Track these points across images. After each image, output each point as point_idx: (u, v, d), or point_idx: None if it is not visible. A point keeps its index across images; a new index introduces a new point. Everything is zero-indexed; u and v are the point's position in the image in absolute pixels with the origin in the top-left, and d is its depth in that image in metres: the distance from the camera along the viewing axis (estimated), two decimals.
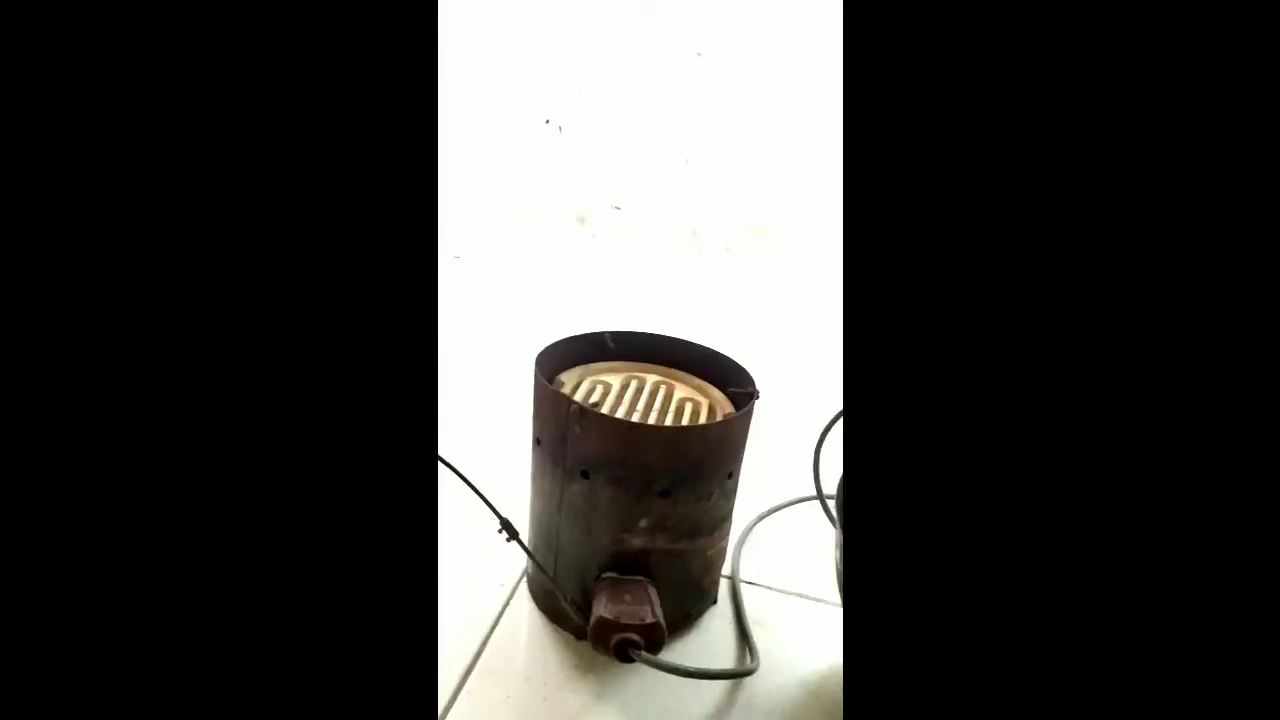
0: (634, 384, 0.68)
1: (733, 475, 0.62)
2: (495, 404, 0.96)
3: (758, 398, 0.63)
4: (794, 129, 2.09)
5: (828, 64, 2.03)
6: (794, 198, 2.24)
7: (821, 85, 2.03)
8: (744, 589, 0.70)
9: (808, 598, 0.70)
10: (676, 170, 2.24)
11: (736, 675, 0.61)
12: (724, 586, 0.71)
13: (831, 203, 2.16)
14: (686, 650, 0.64)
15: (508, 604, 0.67)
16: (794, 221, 2.20)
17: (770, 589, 0.71)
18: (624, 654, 0.54)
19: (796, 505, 0.83)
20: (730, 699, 0.59)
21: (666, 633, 0.55)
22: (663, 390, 0.67)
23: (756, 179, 2.26)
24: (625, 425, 0.58)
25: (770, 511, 0.81)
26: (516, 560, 0.70)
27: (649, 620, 0.55)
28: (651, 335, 0.71)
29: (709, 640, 0.65)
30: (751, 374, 0.65)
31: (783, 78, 2.22)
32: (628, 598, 0.57)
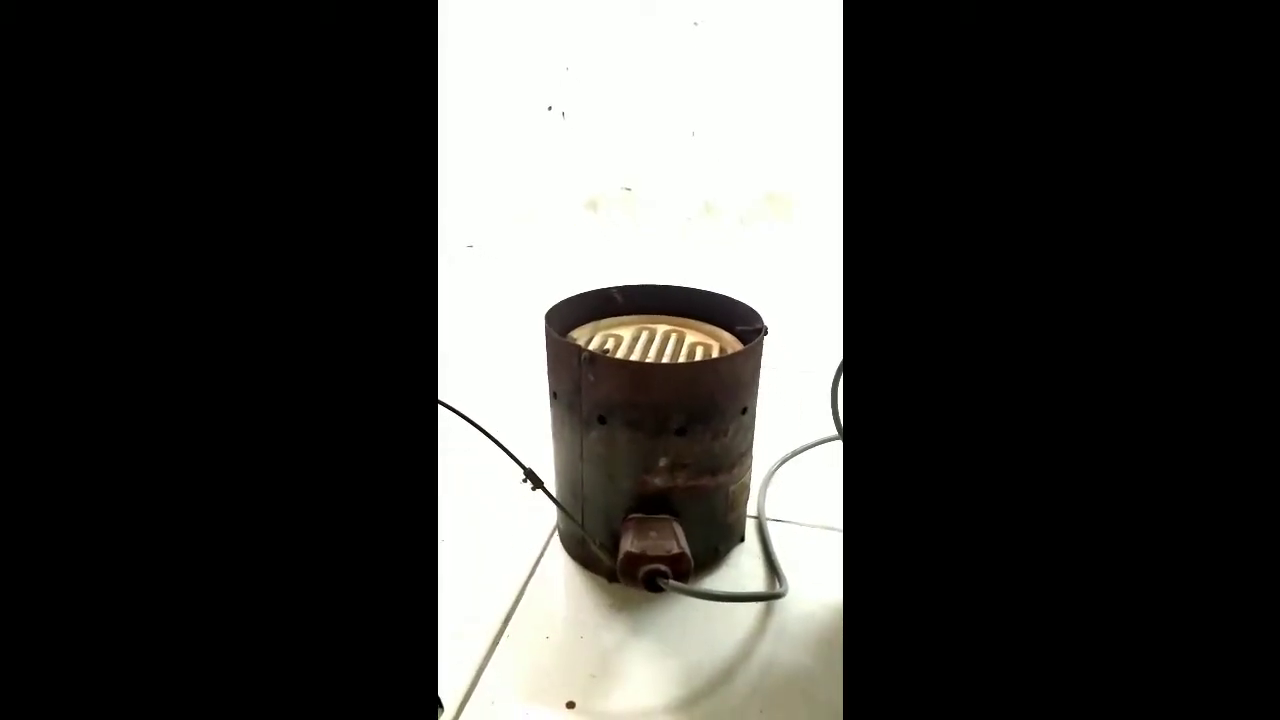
0: (645, 334, 0.69)
1: (747, 410, 0.63)
2: (516, 373, 0.99)
3: (766, 333, 0.64)
4: (799, 93, 2.08)
5: (830, 25, 2.01)
6: (808, 164, 2.22)
7: (826, 45, 2.02)
8: (771, 526, 0.72)
9: (833, 529, 0.72)
10: (684, 144, 2.24)
11: (766, 598, 0.62)
12: (751, 526, 0.72)
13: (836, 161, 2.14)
14: (717, 583, 0.66)
15: (542, 555, 0.69)
16: (810, 188, 2.19)
17: (796, 524, 0.73)
18: (653, 584, 0.56)
19: (819, 446, 0.84)
20: (763, 624, 0.61)
21: (692, 563, 0.57)
22: (674, 337, 0.69)
23: (768, 147, 2.25)
24: (634, 366, 0.59)
25: (794, 453, 0.83)
26: (548, 514, 0.73)
27: (675, 551, 0.57)
28: (660, 287, 0.73)
29: (738, 574, 0.67)
30: (759, 312, 0.66)
31: (785, 42, 2.21)
32: (653, 534, 0.59)
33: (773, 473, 0.80)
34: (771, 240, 1.90)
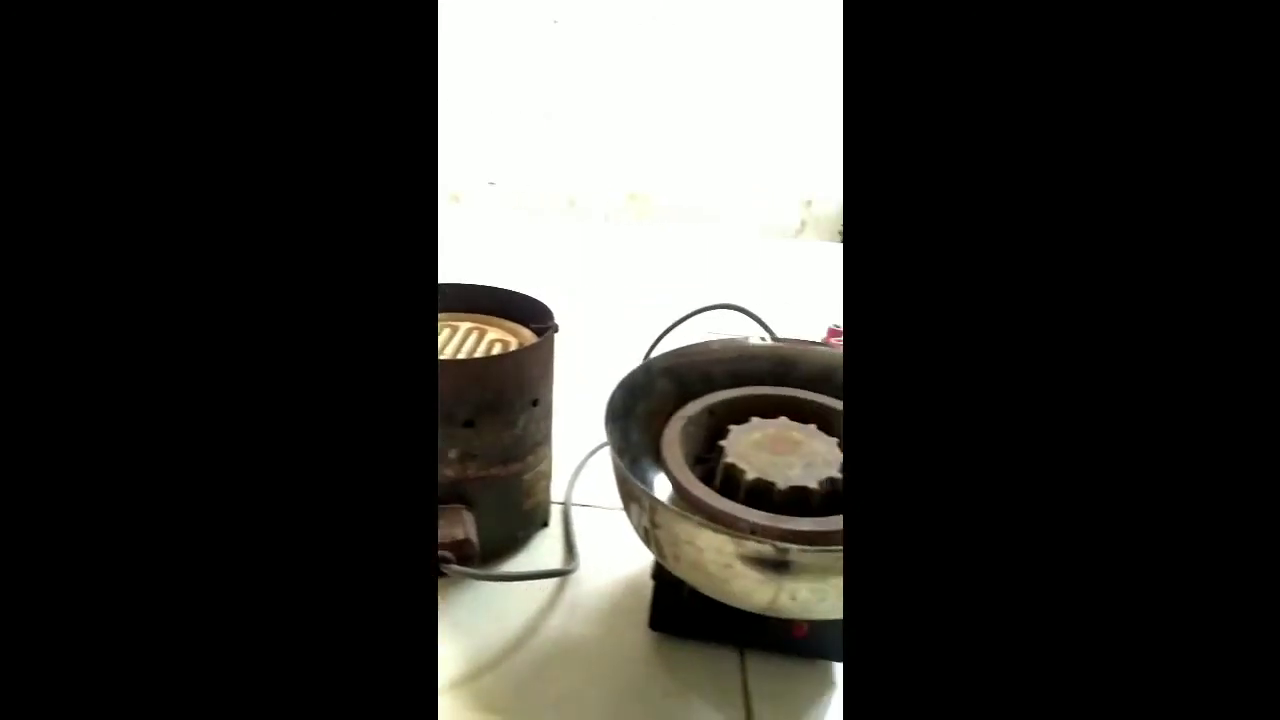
0: (446, 331, 0.72)
1: (539, 403, 0.67)
2: None
3: (556, 330, 0.69)
4: (660, 94, 2.14)
5: (694, 25, 2.07)
6: (669, 164, 2.28)
7: (686, 46, 2.08)
8: (576, 510, 0.77)
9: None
10: (549, 141, 2.26)
11: (550, 575, 0.67)
12: (556, 511, 0.77)
13: (703, 168, 2.21)
14: (515, 566, 0.70)
15: None
16: (671, 188, 2.25)
17: (602, 508, 0.78)
18: (435, 569, 0.59)
19: None
20: (554, 601, 0.66)
21: (477, 548, 0.61)
22: (475, 334, 0.72)
23: (632, 147, 2.29)
24: None
25: (602, 445, 0.87)
26: None
27: (460, 537, 0.60)
28: (463, 285, 0.75)
29: (536, 557, 0.71)
30: (552, 310, 0.71)
31: (643, 41, 2.26)
32: (440, 522, 0.62)
33: (585, 461, 0.84)
34: (632, 238, 1.95)
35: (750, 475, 0.54)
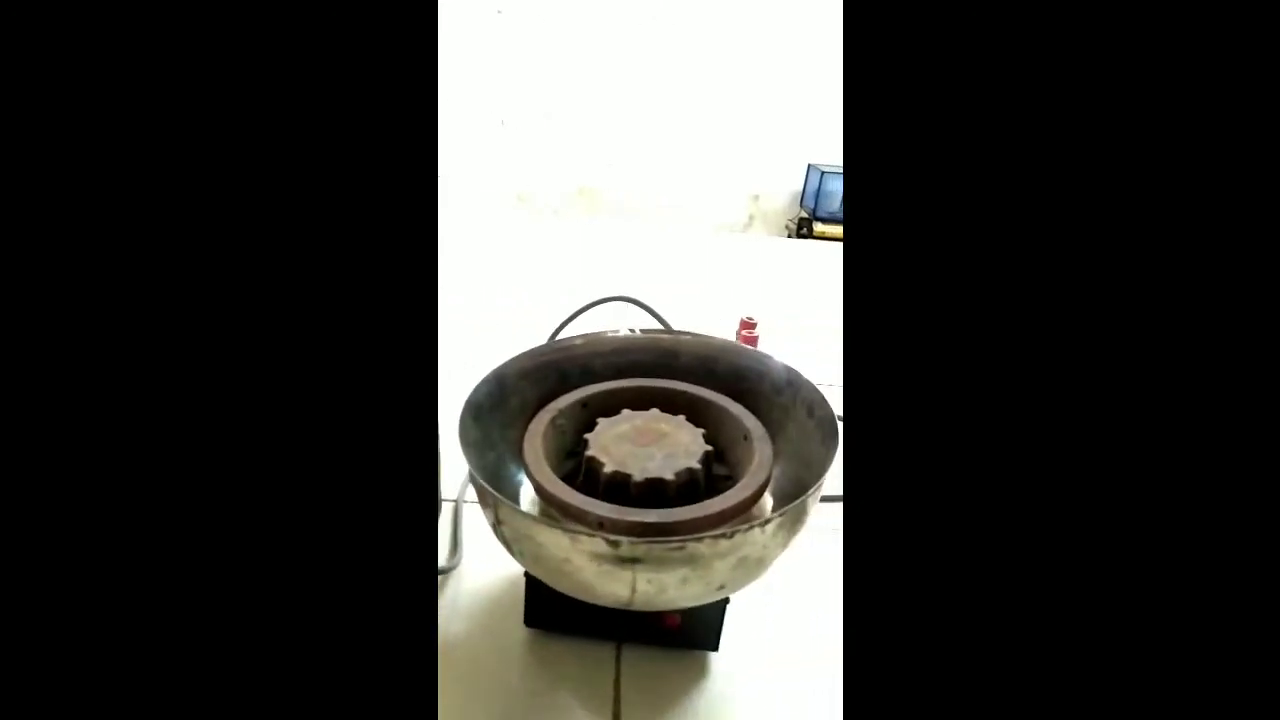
0: None
1: None
2: None
3: None
4: (613, 88, 2.12)
5: (642, 18, 2.05)
6: (620, 159, 2.26)
7: (635, 39, 2.06)
8: (467, 508, 0.76)
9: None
10: (494, 133, 2.23)
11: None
12: (448, 509, 0.76)
13: (653, 163, 2.20)
14: None
15: None
16: (617, 182, 2.23)
17: None
18: None
19: None
20: (440, 593, 0.65)
21: None
22: None
23: (583, 142, 2.28)
24: None
25: None
26: None
27: None
28: None
29: None
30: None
31: (587, 32, 2.23)
32: None
33: None
34: (583, 232, 1.94)
35: (608, 468, 0.53)
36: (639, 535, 0.49)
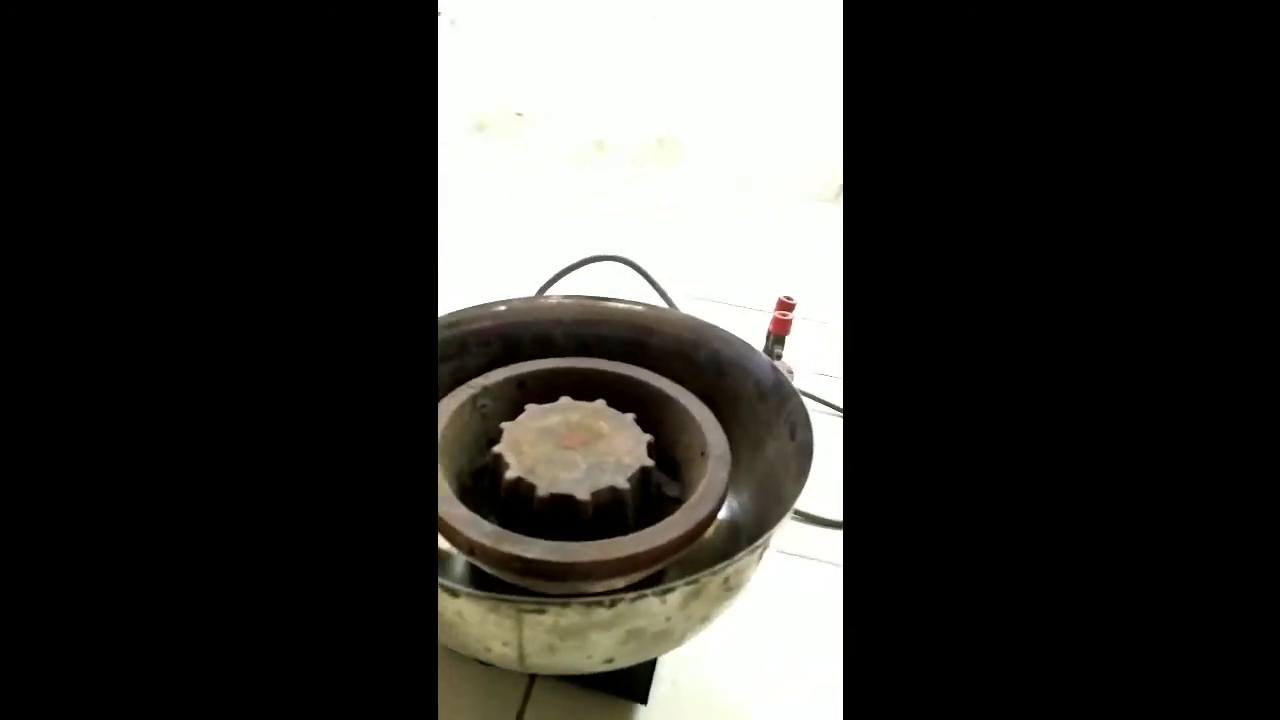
0: None
1: None
2: None
3: None
4: (699, 36, 1.97)
5: None
6: (699, 111, 2.12)
7: None
8: None
9: None
10: (582, 77, 2.12)
11: None
12: None
13: (735, 115, 2.04)
14: None
15: None
16: (700, 135, 2.09)
17: None
18: None
19: None
20: None
21: None
22: None
23: (664, 91, 2.13)
24: None
25: None
26: None
27: None
28: None
29: None
30: None
31: None
32: None
33: None
34: (660, 185, 1.81)
35: (511, 473, 0.42)
36: (516, 572, 0.37)
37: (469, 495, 0.45)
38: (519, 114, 2.02)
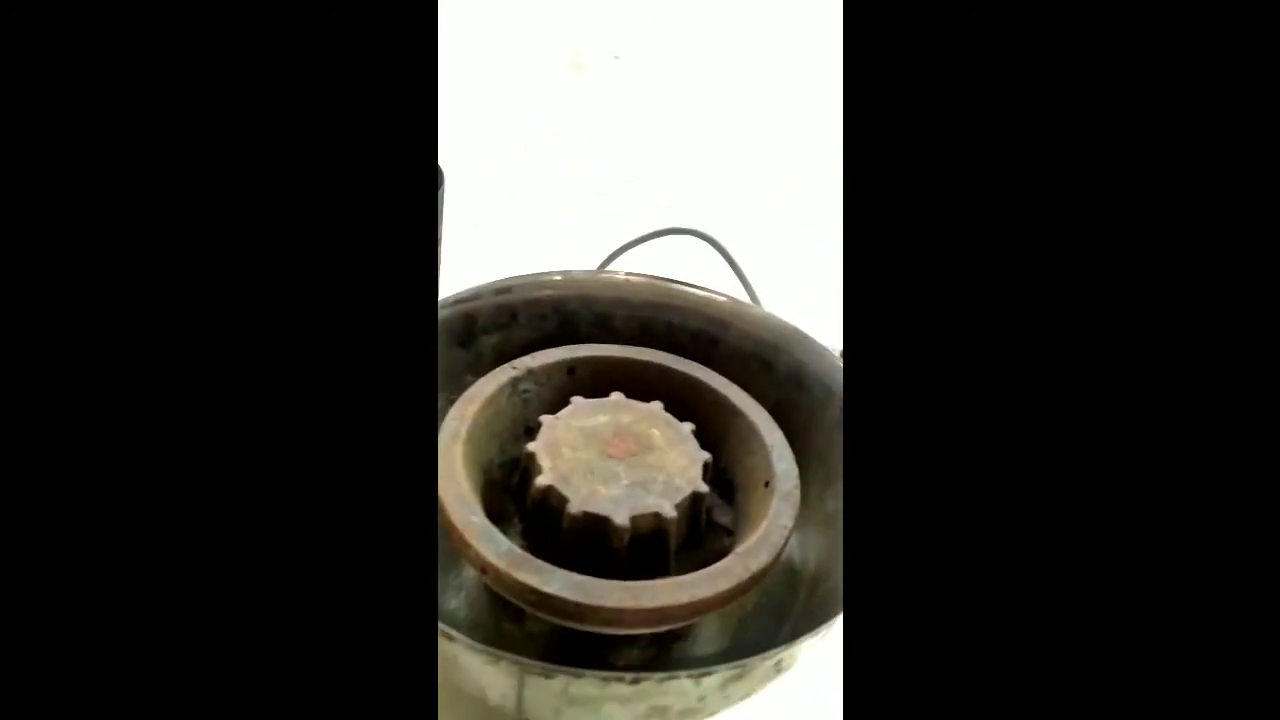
0: None
1: None
2: None
3: (439, 185, 0.51)
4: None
5: None
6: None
7: None
8: None
9: None
10: (687, 19, 2.01)
11: None
12: None
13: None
14: None
15: None
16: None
17: None
18: None
19: None
20: None
21: None
22: None
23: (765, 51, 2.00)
24: None
25: None
26: None
27: None
28: None
29: None
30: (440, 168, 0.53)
31: None
32: None
33: None
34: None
35: (543, 479, 0.36)
36: (530, 604, 0.32)
37: (495, 491, 0.40)
38: (616, 57, 1.93)
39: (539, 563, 0.32)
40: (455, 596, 0.39)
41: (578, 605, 0.31)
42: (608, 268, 0.59)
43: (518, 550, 0.33)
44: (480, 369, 0.46)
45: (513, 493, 0.40)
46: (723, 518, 0.40)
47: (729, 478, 0.41)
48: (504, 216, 0.85)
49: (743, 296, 0.58)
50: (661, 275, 0.49)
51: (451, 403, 0.42)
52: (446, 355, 0.45)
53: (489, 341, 0.46)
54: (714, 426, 0.41)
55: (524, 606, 0.32)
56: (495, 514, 0.37)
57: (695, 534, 0.38)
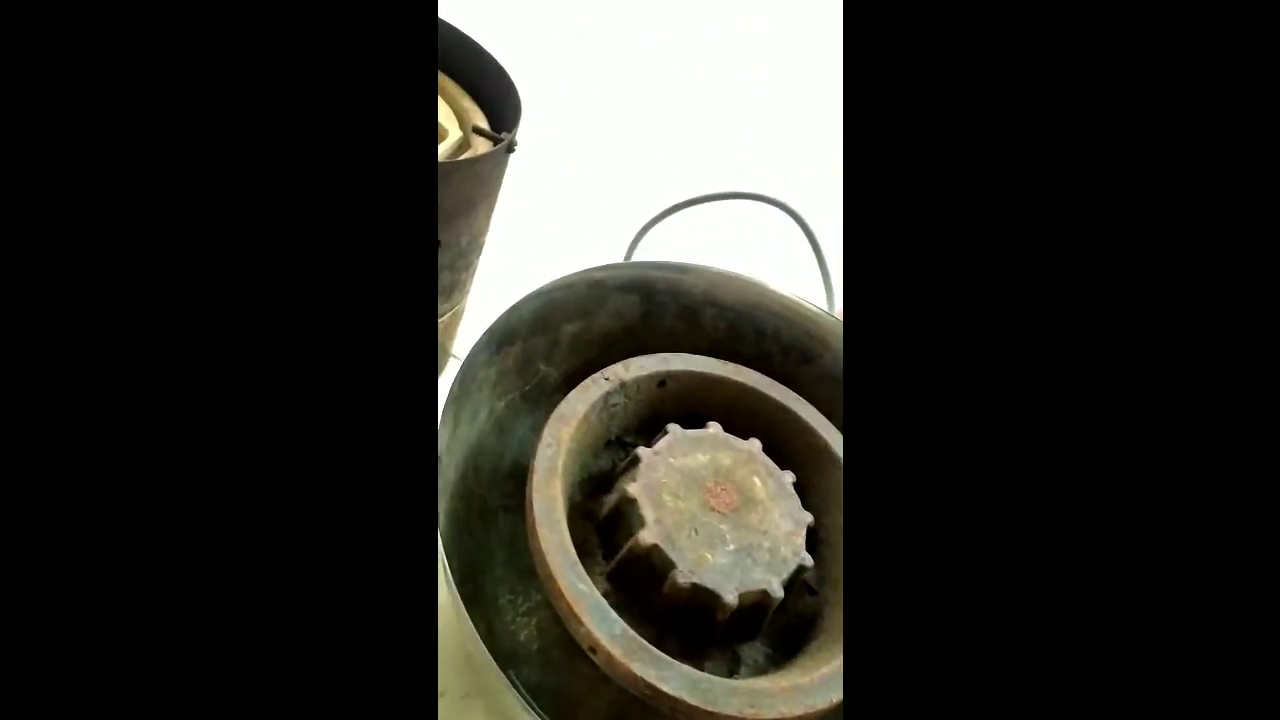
0: None
1: (443, 244, 0.45)
2: None
3: (511, 150, 0.44)
4: None
5: None
6: None
7: None
8: None
9: None
10: None
11: None
12: (454, 366, 0.58)
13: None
14: None
15: None
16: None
17: None
18: None
19: None
20: None
21: None
22: None
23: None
24: None
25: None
26: None
27: None
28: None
29: None
30: (518, 110, 0.45)
31: None
32: None
33: None
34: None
35: (647, 537, 0.33)
36: (644, 696, 0.30)
37: (575, 517, 0.37)
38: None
39: (655, 653, 0.30)
40: (525, 627, 0.37)
41: (694, 710, 0.30)
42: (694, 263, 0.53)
43: (631, 634, 0.31)
44: (554, 358, 0.41)
45: (597, 523, 0.37)
46: (809, 574, 0.39)
47: (815, 528, 0.39)
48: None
49: (815, 278, 0.54)
50: (753, 278, 0.45)
51: (506, 404, 0.38)
52: (527, 342, 0.41)
53: (570, 329, 0.42)
54: (810, 471, 0.39)
55: (635, 694, 0.31)
56: (578, 545, 0.34)
57: (786, 598, 0.37)
